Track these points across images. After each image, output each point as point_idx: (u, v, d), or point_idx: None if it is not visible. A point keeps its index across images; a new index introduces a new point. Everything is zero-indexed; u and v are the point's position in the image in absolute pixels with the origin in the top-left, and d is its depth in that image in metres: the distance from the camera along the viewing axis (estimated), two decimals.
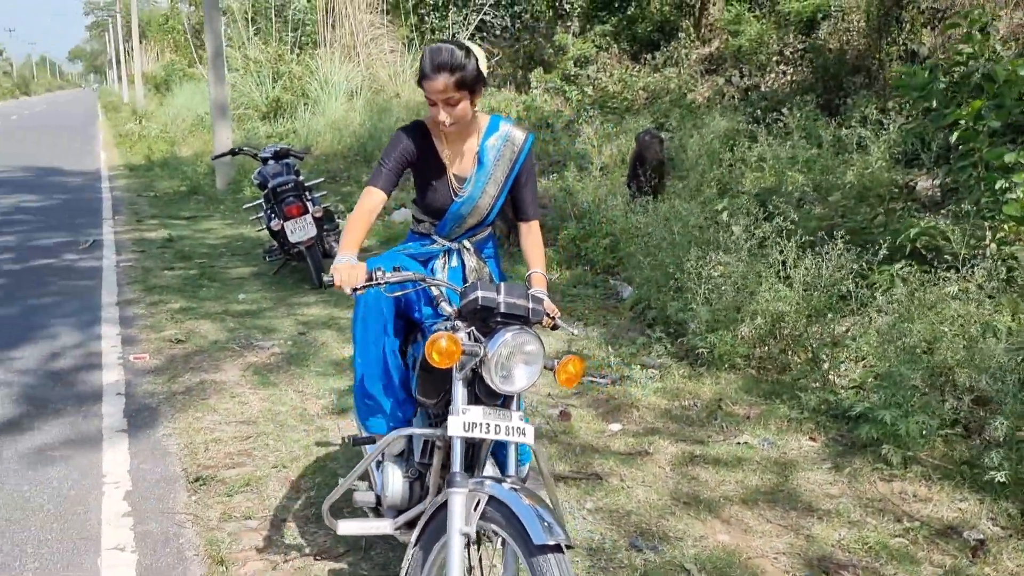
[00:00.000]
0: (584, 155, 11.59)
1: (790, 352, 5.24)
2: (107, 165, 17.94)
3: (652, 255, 6.33)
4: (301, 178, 8.09)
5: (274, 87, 22.03)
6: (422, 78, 2.70)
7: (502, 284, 2.49)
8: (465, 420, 2.39)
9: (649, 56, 21.18)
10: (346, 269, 2.52)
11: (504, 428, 2.42)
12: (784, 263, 5.51)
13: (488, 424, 2.41)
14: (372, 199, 2.81)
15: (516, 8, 25.80)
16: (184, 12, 44.36)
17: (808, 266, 5.41)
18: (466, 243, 3.01)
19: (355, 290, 2.51)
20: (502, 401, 2.47)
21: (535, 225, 3.02)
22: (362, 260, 2.60)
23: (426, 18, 26.09)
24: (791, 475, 3.95)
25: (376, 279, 2.50)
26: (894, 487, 3.85)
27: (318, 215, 7.11)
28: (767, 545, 3.37)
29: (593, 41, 25.36)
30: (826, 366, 4.93)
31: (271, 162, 7.90)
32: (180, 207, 11.96)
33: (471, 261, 3.00)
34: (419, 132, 2.90)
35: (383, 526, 2.73)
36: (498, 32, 26.15)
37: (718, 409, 4.67)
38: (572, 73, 22.34)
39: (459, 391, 2.43)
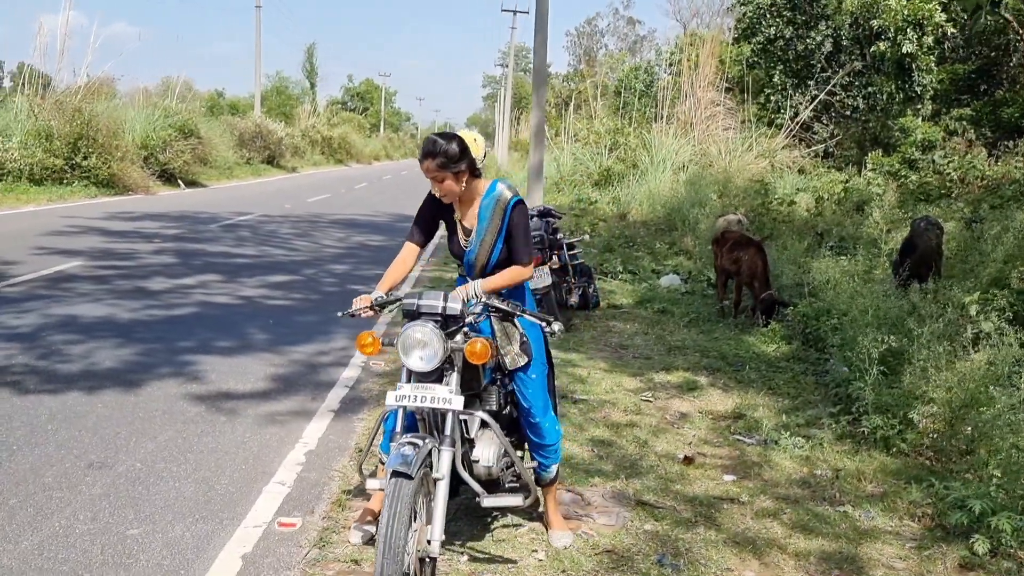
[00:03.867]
0: (872, 239, 11.40)
1: (951, 442, 5.13)
2: None
3: (842, 334, 6.42)
4: (560, 235, 9.15)
5: (609, 157, 23.55)
6: (421, 161, 3.56)
7: (423, 291, 3.37)
8: (397, 393, 3.28)
9: (1010, 143, 19.68)
10: (358, 300, 3.51)
11: (430, 398, 3.22)
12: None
13: (415, 395, 3.24)
14: (405, 251, 3.80)
15: (870, 89, 25.10)
16: (555, 87, 48.64)
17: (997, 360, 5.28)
18: None
19: (352, 315, 3.48)
20: (437, 379, 3.28)
21: (514, 269, 3.66)
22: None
23: (771, 97, 26.32)
24: (864, 543, 4.06)
25: (373, 304, 3.44)
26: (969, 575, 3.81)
27: (555, 266, 8.05)
28: None
29: (946, 126, 23.90)
30: (978, 459, 4.80)
31: (535, 219, 9.05)
32: None
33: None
34: None
35: None
36: (848, 113, 25.65)
37: (836, 480, 4.79)
38: (913, 157, 21.33)
39: (404, 373, 3.31)
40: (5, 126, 18.77)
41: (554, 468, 3.85)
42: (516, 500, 3.61)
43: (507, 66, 63.18)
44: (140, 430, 5.04)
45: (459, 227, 3.78)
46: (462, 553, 3.79)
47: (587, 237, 15.73)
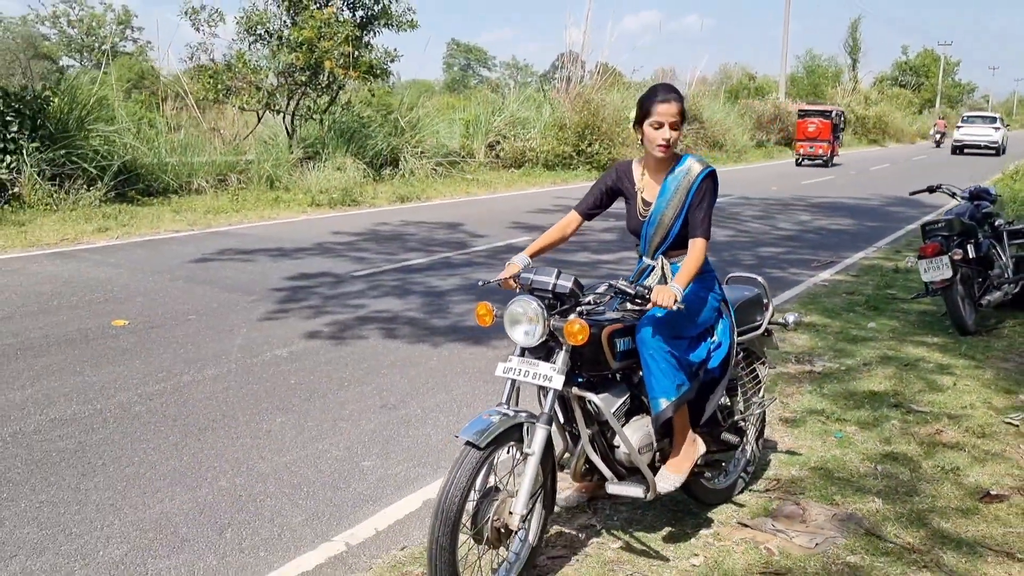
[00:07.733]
0: None
1: None
2: None
3: None
4: (999, 221, 7.69)
5: None
6: (656, 103, 3.39)
7: (538, 267, 3.25)
8: (505, 365, 3.20)
9: None
10: (510, 265, 3.46)
11: (532, 374, 3.15)
12: None
13: (520, 369, 3.18)
14: (566, 218, 3.70)
15: None
16: None
17: None
18: (662, 260, 3.54)
19: (485, 283, 3.49)
20: (545, 355, 3.19)
21: (697, 243, 3.41)
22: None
23: None
24: None
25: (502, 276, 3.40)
26: None
27: (957, 257, 6.79)
28: None
29: None
30: None
31: (963, 202, 7.75)
32: None
33: (657, 276, 3.52)
34: (625, 166, 3.68)
35: None
36: None
37: None
38: None
39: (516, 346, 3.22)
40: (527, 119, 21.55)
41: (662, 403, 3.36)
42: (637, 491, 3.40)
43: None
44: (444, 382, 5.66)
45: (639, 199, 3.61)
46: (618, 539, 3.63)
47: None
